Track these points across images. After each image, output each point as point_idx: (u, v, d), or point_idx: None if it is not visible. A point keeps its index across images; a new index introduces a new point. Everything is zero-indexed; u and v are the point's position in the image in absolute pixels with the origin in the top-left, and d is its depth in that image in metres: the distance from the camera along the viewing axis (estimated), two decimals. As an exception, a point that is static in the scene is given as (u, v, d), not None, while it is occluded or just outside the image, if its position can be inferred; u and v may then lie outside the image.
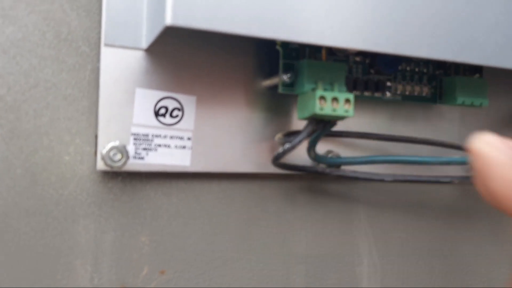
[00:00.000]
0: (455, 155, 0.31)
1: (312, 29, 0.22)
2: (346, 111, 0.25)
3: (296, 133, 0.28)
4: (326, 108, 0.24)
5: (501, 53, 0.26)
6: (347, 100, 0.25)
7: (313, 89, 0.25)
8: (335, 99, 0.25)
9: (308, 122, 0.26)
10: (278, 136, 0.27)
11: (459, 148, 0.31)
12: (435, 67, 0.31)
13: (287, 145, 0.25)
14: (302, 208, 0.31)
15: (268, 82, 0.28)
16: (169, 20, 0.20)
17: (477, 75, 0.31)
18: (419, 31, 0.24)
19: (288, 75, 0.26)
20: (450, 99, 0.30)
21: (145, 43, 0.25)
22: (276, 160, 0.26)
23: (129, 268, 0.27)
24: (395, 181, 0.28)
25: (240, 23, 0.21)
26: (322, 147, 0.30)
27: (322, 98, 0.24)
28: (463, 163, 0.28)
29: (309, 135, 0.25)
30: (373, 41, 0.23)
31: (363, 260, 0.32)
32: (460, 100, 0.29)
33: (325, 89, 0.25)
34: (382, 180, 0.28)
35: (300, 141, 0.25)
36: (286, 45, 0.26)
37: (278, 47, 0.26)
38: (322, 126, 0.26)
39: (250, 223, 0.29)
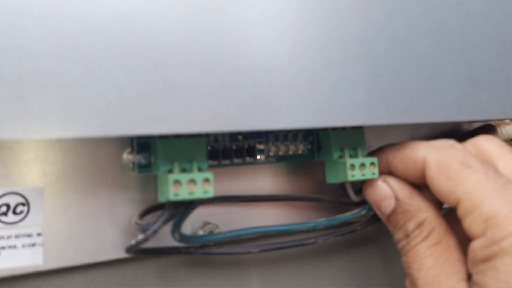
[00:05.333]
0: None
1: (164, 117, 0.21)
2: (205, 192, 0.23)
3: (154, 209, 0.26)
4: (181, 193, 0.23)
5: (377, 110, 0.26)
6: (206, 180, 0.23)
7: (170, 171, 0.23)
8: (192, 181, 0.23)
9: (165, 206, 0.24)
10: (134, 219, 0.25)
11: (336, 201, 0.30)
12: (310, 122, 0.30)
13: (140, 237, 0.23)
14: (184, 285, 0.28)
15: (130, 157, 0.26)
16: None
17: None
18: (285, 102, 0.23)
19: (144, 155, 0.24)
20: (327, 154, 0.29)
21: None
22: (130, 251, 0.24)
23: None
24: (262, 251, 0.27)
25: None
26: (198, 217, 0.28)
27: (177, 182, 0.23)
28: (328, 226, 0.27)
29: (167, 222, 0.23)
30: (234, 121, 0.22)
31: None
32: (336, 155, 0.28)
33: (183, 169, 0.23)
34: (249, 253, 0.27)
35: (155, 231, 0.23)
36: (137, 122, 0.24)
37: (129, 126, 0.24)
38: (183, 208, 0.24)
39: (126, 310, 0.27)
